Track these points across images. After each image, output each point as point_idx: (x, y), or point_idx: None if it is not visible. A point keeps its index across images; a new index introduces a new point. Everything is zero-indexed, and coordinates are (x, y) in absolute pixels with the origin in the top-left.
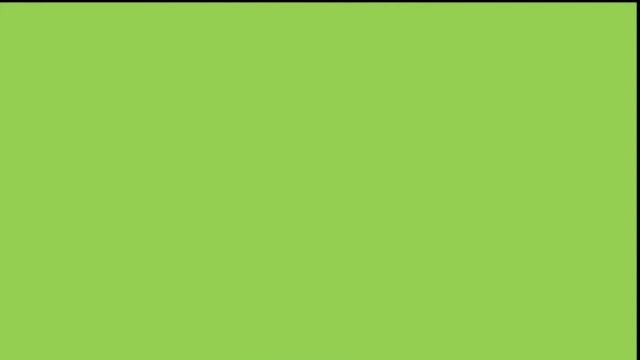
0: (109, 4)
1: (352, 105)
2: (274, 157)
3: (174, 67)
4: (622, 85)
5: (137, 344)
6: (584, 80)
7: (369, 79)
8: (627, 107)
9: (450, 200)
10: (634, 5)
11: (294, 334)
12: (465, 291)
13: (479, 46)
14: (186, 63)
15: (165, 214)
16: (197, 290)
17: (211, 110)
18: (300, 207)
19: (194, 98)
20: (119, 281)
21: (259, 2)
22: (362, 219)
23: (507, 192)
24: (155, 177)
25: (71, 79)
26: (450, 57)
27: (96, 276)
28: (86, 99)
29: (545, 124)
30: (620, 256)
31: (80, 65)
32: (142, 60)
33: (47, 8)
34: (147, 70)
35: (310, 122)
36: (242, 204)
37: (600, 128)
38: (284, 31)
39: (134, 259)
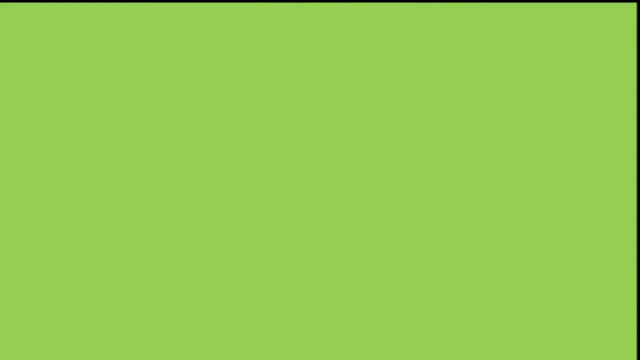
0: (109, 4)
1: (352, 105)
2: (274, 156)
3: (174, 67)
4: (622, 85)
5: (137, 344)
6: (584, 80)
7: (369, 79)
8: (627, 107)
9: (450, 200)
10: (634, 5)
11: (294, 334)
12: (465, 291)
13: (479, 46)
14: (186, 63)
15: (165, 214)
16: (197, 290)
17: (211, 110)
18: (301, 207)
19: (194, 98)
20: (119, 281)
21: (259, 2)
22: (362, 219)
23: (507, 192)
24: (155, 177)
25: (71, 79)
26: (450, 57)
27: (96, 276)
28: (86, 99)
29: (545, 124)
30: (620, 256)
31: (81, 65)
32: (142, 60)
33: (47, 8)
34: (147, 70)
35: (310, 122)
36: (242, 203)
37: (601, 128)
38: (284, 31)
39: (134, 259)
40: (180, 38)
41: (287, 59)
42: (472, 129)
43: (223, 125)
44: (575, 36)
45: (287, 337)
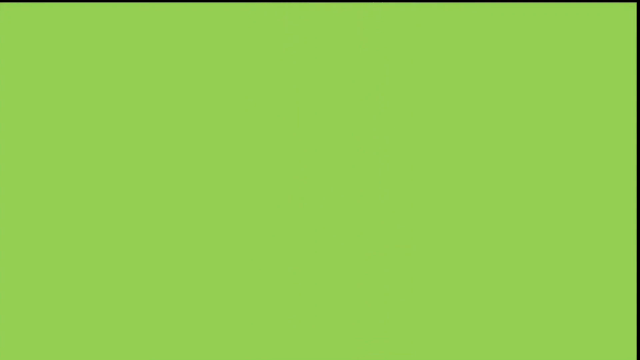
0: (109, 4)
1: (352, 105)
2: (274, 157)
3: (174, 67)
4: (622, 85)
5: (137, 344)
6: (584, 80)
7: (369, 79)
8: (627, 107)
9: (450, 200)
10: (634, 5)
11: (294, 334)
12: (465, 291)
13: (479, 46)
14: (186, 63)
15: (165, 214)
16: (197, 290)
17: (211, 110)
18: (301, 207)
19: (194, 98)
20: (119, 281)
21: (259, 2)
22: (362, 219)
23: (507, 192)
24: (155, 177)
25: (71, 79)
26: (451, 57)
27: (96, 276)
28: (86, 99)
29: (545, 124)
30: (620, 256)
31: (81, 65)
32: (142, 60)
33: (47, 8)
34: (147, 70)
35: (310, 122)
36: (242, 203)
37: (601, 128)
38: (284, 31)
39: (134, 259)
40: (180, 38)
41: (287, 59)
42: (472, 129)
43: (223, 125)
44: (575, 36)
45: (287, 337)
